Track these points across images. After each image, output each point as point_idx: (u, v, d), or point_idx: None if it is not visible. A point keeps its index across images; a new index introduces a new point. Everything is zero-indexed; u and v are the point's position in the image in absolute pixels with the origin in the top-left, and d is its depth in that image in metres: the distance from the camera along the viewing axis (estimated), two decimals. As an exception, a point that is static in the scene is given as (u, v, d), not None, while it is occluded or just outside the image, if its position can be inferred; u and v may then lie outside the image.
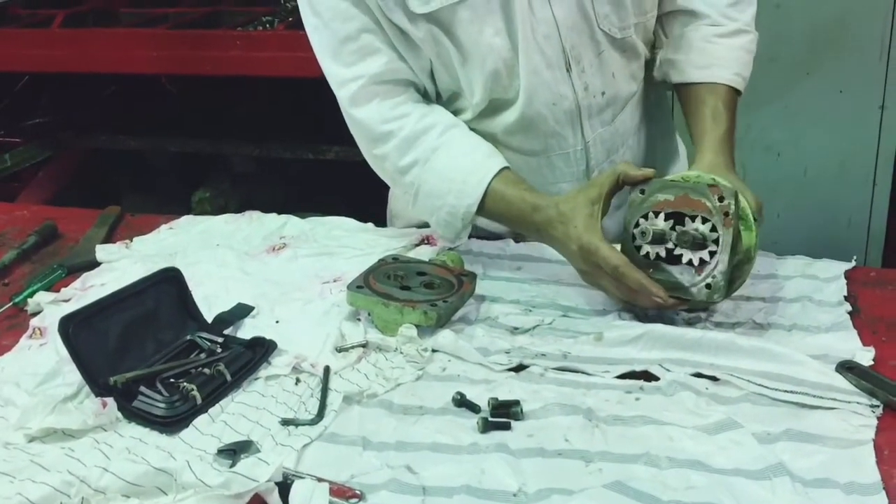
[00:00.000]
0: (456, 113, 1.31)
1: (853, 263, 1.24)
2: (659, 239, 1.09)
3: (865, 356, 1.02)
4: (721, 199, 1.07)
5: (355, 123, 1.30)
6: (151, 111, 3.14)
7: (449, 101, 1.31)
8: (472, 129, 1.30)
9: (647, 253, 1.10)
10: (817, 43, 2.33)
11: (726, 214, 1.06)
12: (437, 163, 1.26)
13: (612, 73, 1.30)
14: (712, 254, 1.07)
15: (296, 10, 2.66)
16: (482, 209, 1.25)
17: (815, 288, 1.18)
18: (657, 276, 1.10)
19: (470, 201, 1.25)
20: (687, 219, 1.09)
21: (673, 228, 1.09)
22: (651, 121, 1.44)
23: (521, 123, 1.28)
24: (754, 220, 1.10)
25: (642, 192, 1.12)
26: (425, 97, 1.31)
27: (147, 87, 3.02)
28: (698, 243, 1.07)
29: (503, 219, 1.28)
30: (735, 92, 1.31)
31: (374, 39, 1.23)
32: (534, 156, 1.33)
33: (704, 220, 1.07)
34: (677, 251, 1.09)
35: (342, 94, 1.28)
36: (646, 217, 1.11)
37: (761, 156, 2.44)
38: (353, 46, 1.24)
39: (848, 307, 1.13)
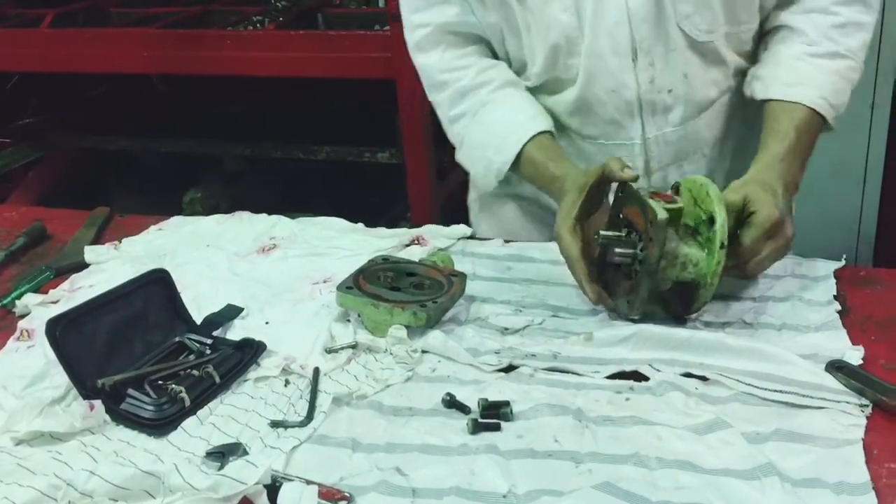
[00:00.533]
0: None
1: (843, 262, 1.24)
2: (606, 244, 1.11)
3: (855, 355, 1.02)
4: (651, 222, 1.05)
5: (418, 68, 1.35)
6: (142, 111, 3.13)
7: (517, 71, 1.33)
8: None
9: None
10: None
11: (651, 239, 1.05)
12: (484, 116, 1.30)
13: (683, 73, 1.25)
14: (636, 272, 1.08)
15: (287, 9, 2.68)
16: (515, 168, 1.29)
17: (804, 287, 1.18)
18: (611, 274, 1.13)
19: (504, 159, 1.28)
20: (634, 234, 1.09)
21: (627, 236, 1.10)
22: (747, 138, 1.33)
23: (579, 104, 1.28)
24: (721, 246, 1.04)
25: (621, 191, 1.12)
26: (495, 58, 1.33)
27: (138, 87, 3.00)
28: (628, 259, 1.08)
29: (532, 182, 1.30)
30: (817, 115, 1.21)
31: None
32: (592, 140, 1.32)
33: (641, 239, 1.08)
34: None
35: (409, 39, 1.33)
36: (619, 216, 1.12)
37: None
38: None
39: (837, 306, 1.13)
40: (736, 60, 1.29)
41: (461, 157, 1.36)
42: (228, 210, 1.54)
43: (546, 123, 1.28)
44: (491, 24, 1.28)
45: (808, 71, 1.23)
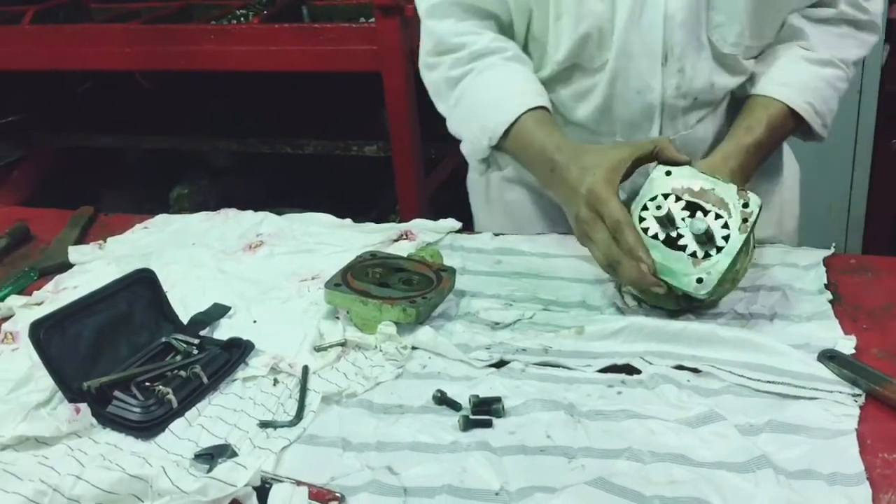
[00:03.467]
0: (536, 69, 1.28)
1: (832, 250, 1.24)
2: (668, 222, 1.08)
3: (847, 345, 1.01)
4: (746, 205, 1.06)
5: (427, 31, 1.30)
6: (127, 108, 3.11)
7: (534, 58, 1.29)
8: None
9: (648, 229, 1.09)
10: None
11: (745, 221, 1.06)
12: (489, 76, 1.25)
13: (711, 82, 1.23)
14: (719, 249, 1.06)
15: (270, 2, 2.65)
16: (507, 136, 1.22)
17: (794, 276, 1.17)
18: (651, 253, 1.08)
19: (504, 118, 1.21)
20: (700, 212, 1.08)
21: (683, 219, 1.08)
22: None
23: (600, 100, 1.24)
24: (754, 246, 1.07)
25: (668, 173, 1.10)
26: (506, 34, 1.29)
27: (122, 84, 2.98)
28: (708, 238, 1.07)
29: (523, 153, 1.23)
30: (795, 118, 1.22)
31: None
32: (607, 136, 1.28)
33: (718, 217, 1.07)
34: (682, 241, 1.08)
35: (421, 4, 1.29)
36: (666, 196, 1.10)
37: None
38: None
39: (829, 295, 1.13)
40: (753, 68, 1.27)
41: (455, 118, 1.30)
42: (216, 206, 1.52)
43: (549, 101, 1.25)
44: (519, 3, 1.23)
45: (800, 74, 1.22)
